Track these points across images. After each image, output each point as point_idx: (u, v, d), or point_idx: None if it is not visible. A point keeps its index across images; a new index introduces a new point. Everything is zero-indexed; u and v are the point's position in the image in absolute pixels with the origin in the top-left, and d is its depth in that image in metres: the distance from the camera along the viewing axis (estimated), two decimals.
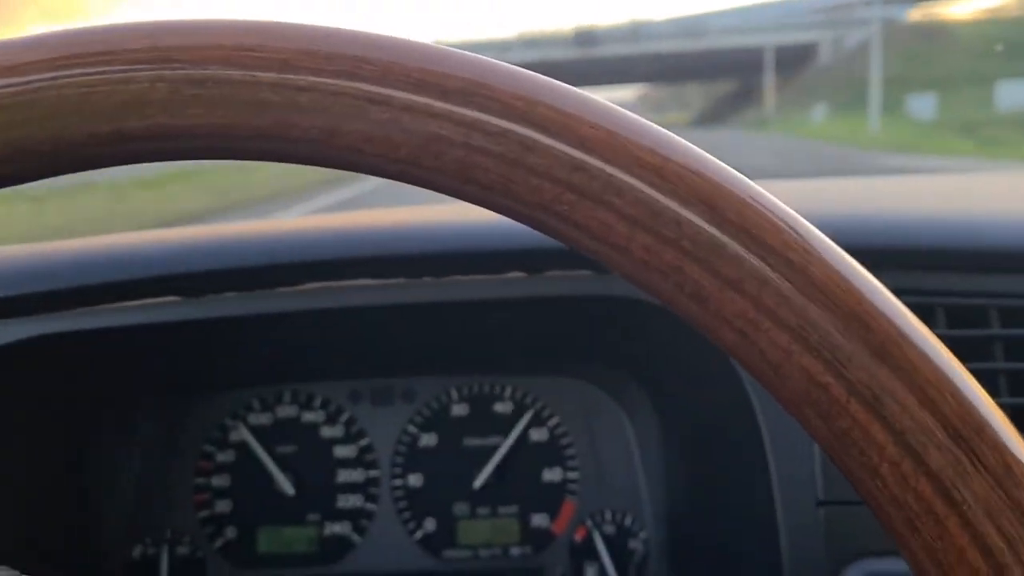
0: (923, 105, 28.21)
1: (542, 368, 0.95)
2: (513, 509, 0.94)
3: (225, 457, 0.95)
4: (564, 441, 0.94)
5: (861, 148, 19.50)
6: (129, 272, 0.69)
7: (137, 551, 0.93)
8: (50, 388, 0.79)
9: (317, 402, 0.95)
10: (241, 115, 0.21)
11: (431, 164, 0.22)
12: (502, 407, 0.95)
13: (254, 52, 0.21)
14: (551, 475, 0.94)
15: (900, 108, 28.94)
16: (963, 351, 0.50)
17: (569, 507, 0.94)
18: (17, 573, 0.29)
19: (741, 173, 0.23)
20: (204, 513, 0.95)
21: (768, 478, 0.67)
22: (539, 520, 0.94)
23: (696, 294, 0.22)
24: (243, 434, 0.94)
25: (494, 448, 0.94)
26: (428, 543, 0.94)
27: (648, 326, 0.76)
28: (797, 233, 0.22)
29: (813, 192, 0.93)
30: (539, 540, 0.94)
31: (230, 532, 0.94)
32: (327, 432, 0.95)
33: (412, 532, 0.94)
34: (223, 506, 0.95)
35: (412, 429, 0.95)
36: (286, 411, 0.95)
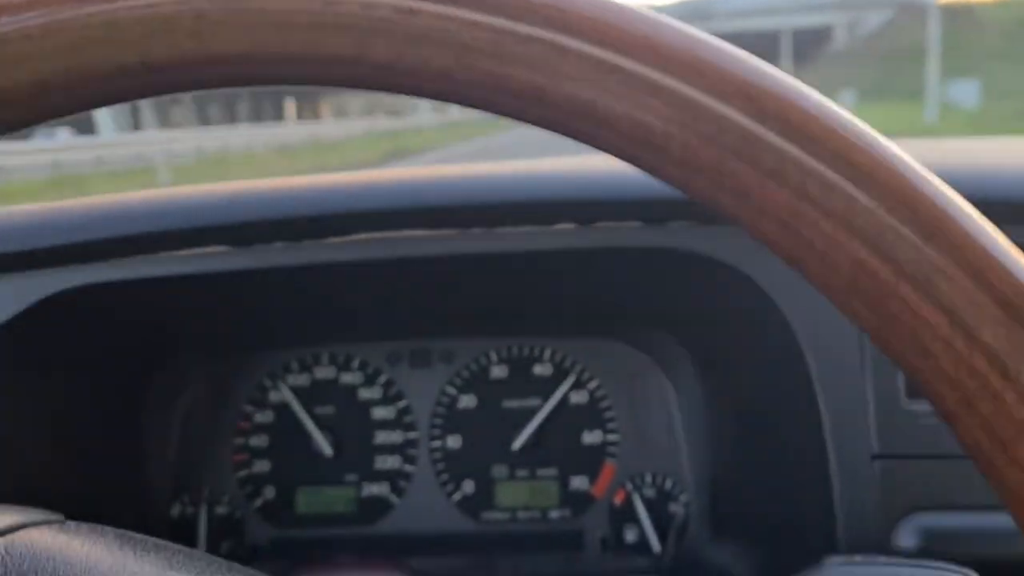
0: (965, 91, 25.64)
1: (582, 330, 0.94)
2: (552, 471, 0.94)
3: (264, 418, 0.95)
4: (604, 404, 0.94)
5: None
6: (178, 221, 0.69)
7: (176, 510, 0.94)
8: (101, 340, 0.79)
9: (355, 363, 0.95)
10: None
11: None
12: (542, 369, 0.94)
13: None
14: (591, 438, 0.94)
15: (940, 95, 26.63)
16: None
17: (609, 470, 0.93)
18: (62, 517, 0.29)
19: None
20: (243, 473, 0.95)
21: (822, 433, 0.66)
22: (578, 483, 0.94)
23: (737, 189, 0.22)
24: (282, 395, 0.94)
25: (533, 410, 0.94)
26: (466, 505, 0.94)
27: (695, 282, 0.75)
28: (838, 122, 0.21)
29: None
30: (578, 503, 0.93)
31: (269, 492, 0.95)
32: (365, 394, 0.95)
33: (450, 494, 0.94)
34: (262, 466, 0.95)
35: (451, 391, 0.95)
36: (324, 372, 0.95)
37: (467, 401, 0.95)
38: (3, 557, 0.24)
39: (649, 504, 0.92)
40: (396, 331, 0.95)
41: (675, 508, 0.91)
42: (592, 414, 0.94)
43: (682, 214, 0.69)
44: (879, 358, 0.66)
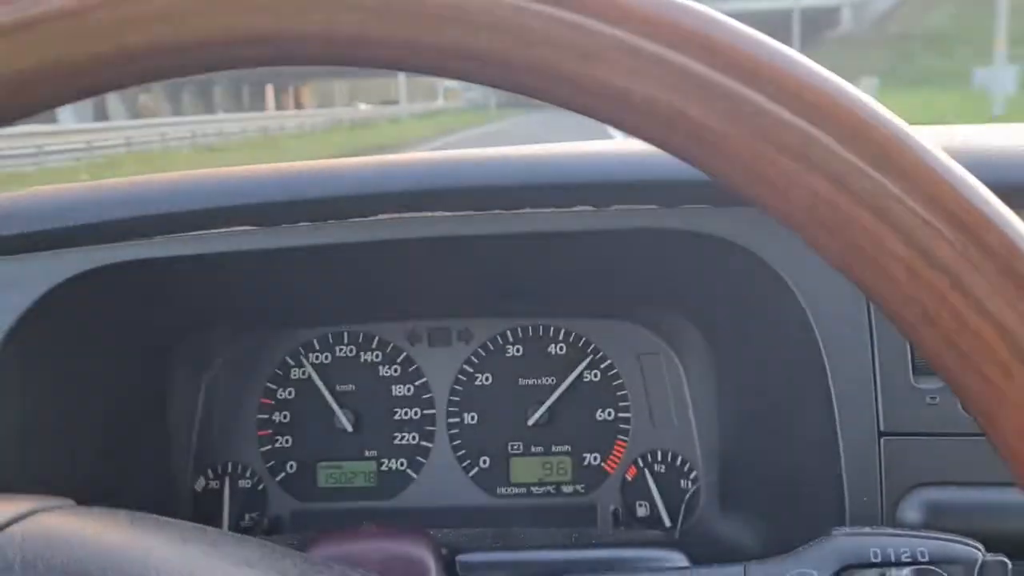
0: (1002, 77, 21.18)
1: (596, 311, 0.96)
2: (566, 448, 0.96)
3: (286, 394, 0.97)
4: (617, 382, 0.96)
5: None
6: (205, 201, 0.71)
7: (200, 484, 0.96)
8: (128, 318, 0.82)
9: (375, 342, 0.98)
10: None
11: None
12: (556, 349, 0.97)
13: None
14: (604, 415, 0.96)
15: (967, 80, 24.37)
16: None
17: (621, 446, 0.96)
18: (72, 501, 0.30)
19: None
20: (265, 448, 0.97)
21: (831, 411, 0.68)
22: (591, 459, 0.96)
23: (695, 134, 0.23)
24: (305, 371, 0.97)
25: (548, 388, 0.96)
26: (482, 479, 0.97)
27: (709, 263, 0.77)
28: (788, 63, 0.23)
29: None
30: (591, 478, 0.96)
31: (291, 466, 0.97)
32: (385, 371, 0.98)
33: (467, 469, 0.97)
34: (284, 441, 0.98)
35: (468, 369, 0.97)
36: (345, 351, 0.98)
37: (484, 380, 0.97)
38: (19, 542, 0.25)
39: (660, 479, 0.94)
40: (416, 311, 0.97)
41: (685, 483, 0.94)
42: (605, 392, 0.96)
43: (697, 197, 0.71)
44: (887, 338, 0.68)
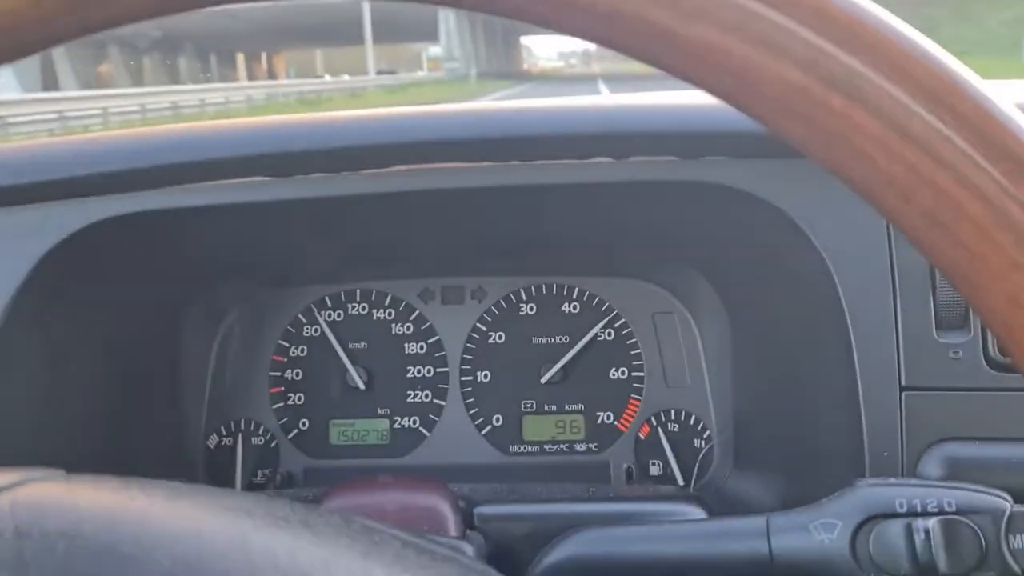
0: None
1: (611, 270, 0.95)
2: (579, 406, 0.96)
3: (299, 351, 0.97)
4: (631, 341, 0.96)
5: None
6: (219, 151, 0.70)
7: (213, 440, 0.96)
8: (140, 269, 0.81)
9: (388, 300, 0.97)
10: None
11: None
12: (570, 307, 0.96)
13: None
14: (617, 374, 0.96)
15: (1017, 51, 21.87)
16: None
17: (634, 405, 0.95)
18: (62, 472, 0.30)
19: None
20: (278, 405, 0.97)
21: (852, 365, 0.67)
22: (604, 417, 0.96)
23: (662, 33, 0.23)
24: (318, 328, 0.96)
25: (562, 347, 0.95)
26: (495, 437, 0.96)
27: (728, 216, 0.76)
28: None
29: None
30: (604, 436, 0.96)
31: (303, 424, 0.97)
32: (398, 329, 0.97)
33: (480, 427, 0.97)
34: (296, 399, 0.97)
35: (481, 327, 0.97)
36: (358, 308, 0.97)
37: (497, 338, 0.97)
38: (9, 510, 0.25)
39: (673, 438, 0.94)
40: (429, 268, 0.96)
41: (699, 442, 0.93)
42: (619, 351, 0.96)
43: (716, 148, 0.70)
44: (910, 292, 0.67)
